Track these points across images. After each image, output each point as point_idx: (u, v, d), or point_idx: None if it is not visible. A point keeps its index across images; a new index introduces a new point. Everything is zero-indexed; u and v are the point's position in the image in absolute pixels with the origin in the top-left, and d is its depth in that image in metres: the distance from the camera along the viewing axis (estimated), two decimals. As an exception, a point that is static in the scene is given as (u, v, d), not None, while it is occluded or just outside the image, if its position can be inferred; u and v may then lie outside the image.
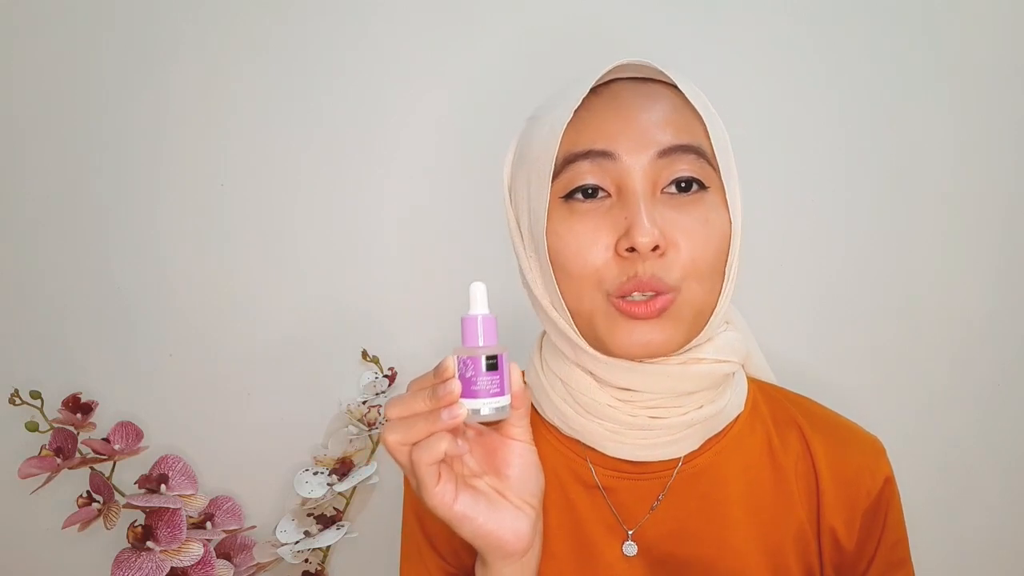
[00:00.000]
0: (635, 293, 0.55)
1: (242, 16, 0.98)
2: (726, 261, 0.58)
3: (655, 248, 0.54)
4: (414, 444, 0.50)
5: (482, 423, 0.52)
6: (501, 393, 0.50)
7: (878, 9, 0.96)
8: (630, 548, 0.62)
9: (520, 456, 0.54)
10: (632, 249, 0.54)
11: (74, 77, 0.99)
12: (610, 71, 0.59)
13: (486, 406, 0.50)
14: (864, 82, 0.97)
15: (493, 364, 0.50)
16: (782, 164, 0.97)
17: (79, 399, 0.98)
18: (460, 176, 1.00)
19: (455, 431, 0.50)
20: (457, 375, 0.50)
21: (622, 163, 0.55)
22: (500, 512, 0.53)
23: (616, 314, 0.56)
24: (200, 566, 0.92)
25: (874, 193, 0.98)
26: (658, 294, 0.55)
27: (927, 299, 0.99)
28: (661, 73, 0.59)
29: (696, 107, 0.58)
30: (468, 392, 0.50)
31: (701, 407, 0.60)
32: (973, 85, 0.97)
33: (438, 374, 0.50)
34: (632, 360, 0.58)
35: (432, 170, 1.00)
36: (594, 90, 0.59)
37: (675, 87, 0.59)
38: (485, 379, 0.50)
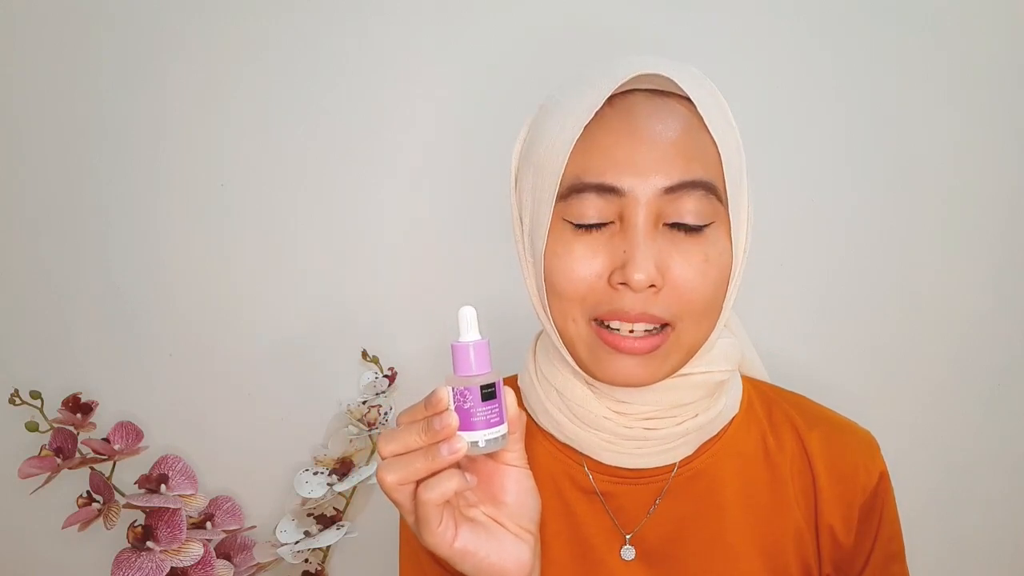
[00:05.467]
0: (619, 323, 0.54)
1: (242, 16, 0.98)
2: (724, 296, 0.57)
3: (650, 286, 0.53)
4: (419, 482, 0.47)
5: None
6: (500, 422, 0.48)
7: (879, 7, 0.96)
8: (628, 552, 0.62)
9: (517, 482, 0.52)
10: (624, 283, 0.53)
11: (74, 77, 0.99)
12: (625, 82, 0.56)
13: (483, 438, 0.47)
14: (864, 82, 0.97)
15: (490, 393, 0.47)
16: (782, 164, 0.97)
17: (79, 399, 0.98)
18: (462, 176, 1.00)
19: (460, 466, 0.49)
20: (452, 406, 0.47)
21: (627, 197, 0.54)
22: (500, 543, 0.51)
23: (599, 344, 0.56)
24: (200, 566, 0.92)
25: (874, 193, 0.98)
26: (649, 333, 0.55)
27: (927, 299, 0.99)
28: (678, 87, 0.56)
29: (711, 130, 0.55)
30: (465, 424, 0.47)
31: (696, 416, 0.60)
32: (974, 84, 0.97)
33: (430, 406, 0.47)
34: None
35: (433, 170, 1.00)
36: (609, 100, 0.56)
37: (691, 100, 0.56)
38: (483, 409, 0.47)
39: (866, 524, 0.64)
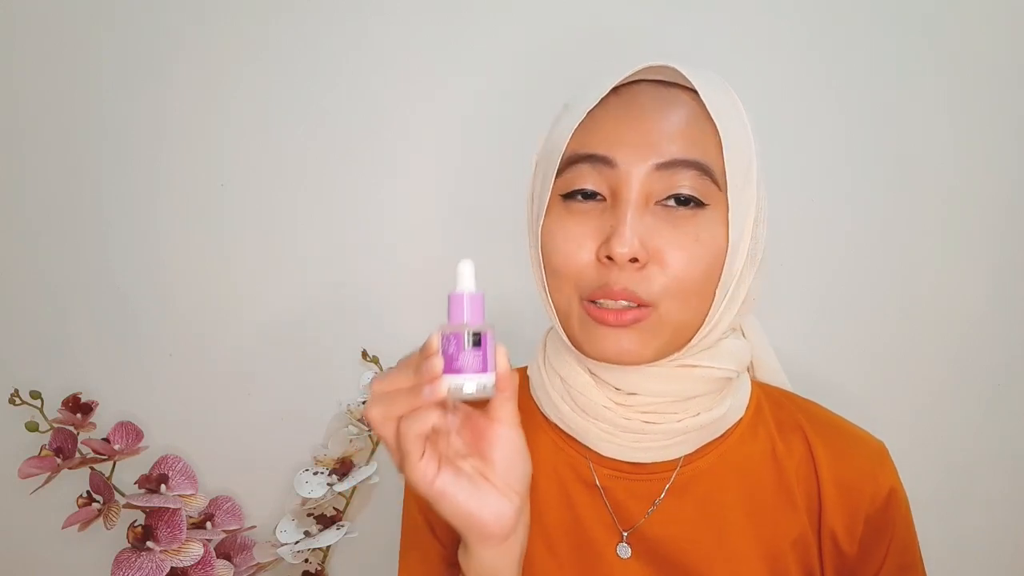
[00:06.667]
0: (606, 300, 0.55)
1: (242, 16, 0.98)
2: (717, 281, 0.57)
3: (634, 260, 0.54)
4: (402, 417, 0.49)
5: (467, 402, 0.52)
6: (484, 370, 0.50)
7: (879, 8, 0.96)
8: (624, 550, 0.62)
9: (506, 440, 0.53)
10: (610, 257, 0.54)
11: (74, 77, 0.99)
12: (632, 73, 0.58)
13: (469, 383, 0.49)
14: (864, 82, 0.97)
15: (477, 340, 0.49)
16: (782, 164, 0.97)
17: (79, 399, 0.98)
18: (462, 176, 1.00)
19: (444, 407, 0.50)
20: (441, 351, 0.49)
21: (620, 170, 0.55)
22: (482, 493, 0.52)
23: (588, 319, 0.57)
24: (200, 566, 0.92)
25: (874, 193, 0.98)
26: (631, 307, 0.55)
27: (927, 299, 0.99)
28: (685, 78, 0.58)
29: (715, 120, 0.56)
30: (451, 368, 0.49)
31: (698, 414, 0.60)
32: (974, 84, 0.97)
33: (423, 351, 0.50)
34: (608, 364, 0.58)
35: (434, 170, 1.00)
36: (616, 90, 0.58)
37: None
38: (469, 355, 0.49)
39: (877, 537, 0.63)
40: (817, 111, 0.97)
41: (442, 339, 0.50)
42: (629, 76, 0.58)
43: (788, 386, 0.72)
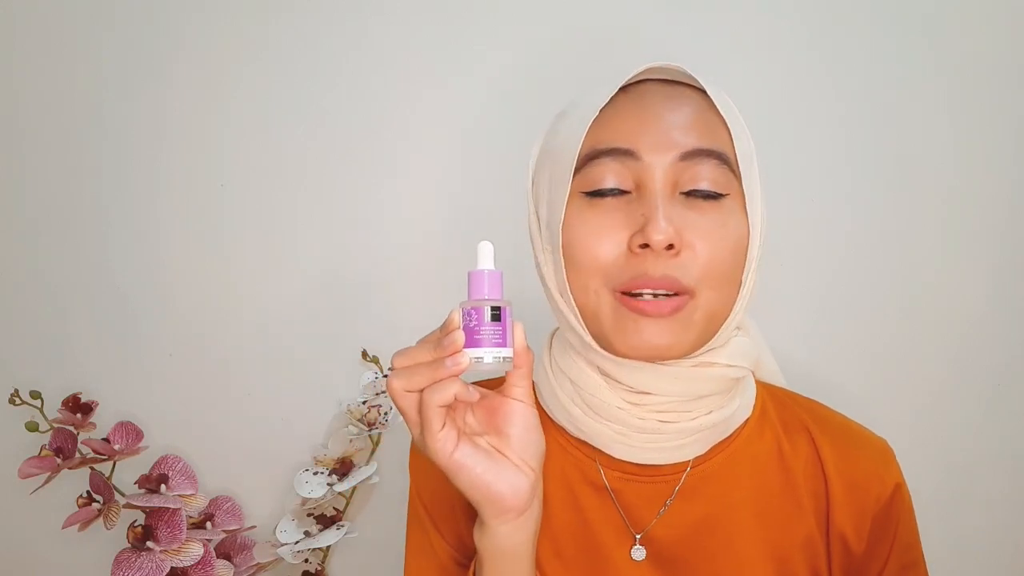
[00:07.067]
0: (646, 292, 0.55)
1: (242, 16, 0.98)
2: (743, 268, 0.58)
3: (670, 247, 0.54)
4: (424, 389, 0.51)
5: (483, 385, 0.53)
6: (503, 344, 0.52)
7: (879, 7, 0.96)
8: (638, 552, 0.62)
9: (521, 416, 0.55)
10: (645, 246, 0.54)
11: (74, 77, 0.99)
12: (638, 72, 0.59)
13: (489, 354, 0.51)
14: (864, 82, 0.97)
15: (496, 315, 0.51)
16: (782, 164, 0.97)
17: (79, 399, 0.98)
18: (462, 176, 1.00)
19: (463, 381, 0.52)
20: (461, 325, 0.51)
21: (643, 162, 0.56)
22: (498, 467, 0.53)
23: (624, 311, 0.56)
24: (200, 566, 0.92)
25: (874, 193, 0.98)
26: (672, 294, 0.55)
27: (927, 299, 0.99)
28: (690, 77, 0.59)
29: (722, 113, 0.58)
30: (471, 341, 0.51)
31: (710, 412, 0.60)
32: (974, 84, 0.97)
33: (444, 327, 0.51)
34: (638, 361, 0.58)
35: (434, 170, 1.00)
36: (621, 89, 0.59)
37: (703, 92, 0.59)
38: (488, 329, 0.51)
39: (881, 534, 0.63)
40: (817, 111, 0.97)
41: (463, 314, 0.51)
42: (636, 75, 0.59)
43: (785, 385, 0.72)
